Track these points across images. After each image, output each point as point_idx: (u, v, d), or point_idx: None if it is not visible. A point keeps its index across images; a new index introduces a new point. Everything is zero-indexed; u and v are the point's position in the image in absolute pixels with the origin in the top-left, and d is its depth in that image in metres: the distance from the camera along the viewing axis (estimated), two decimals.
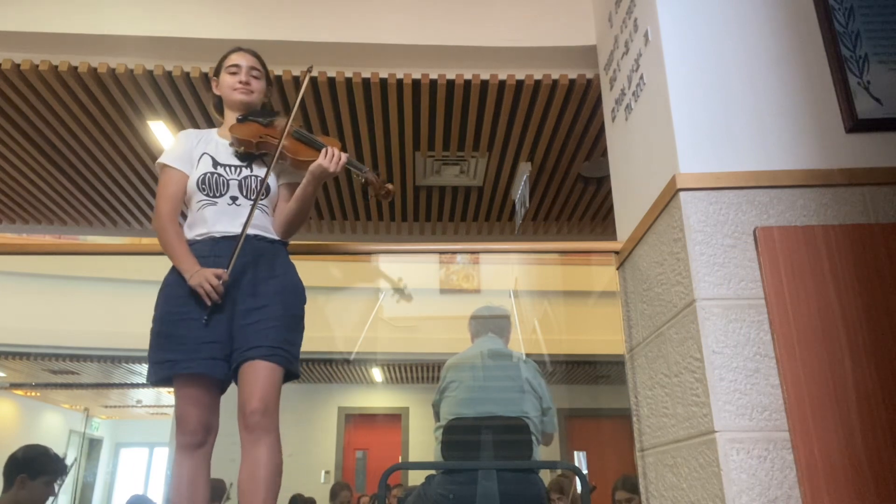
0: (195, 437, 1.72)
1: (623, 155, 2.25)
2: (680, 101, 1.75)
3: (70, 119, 3.10)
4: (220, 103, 2.01)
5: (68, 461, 2.83)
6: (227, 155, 1.89)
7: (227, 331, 1.73)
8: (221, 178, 1.83)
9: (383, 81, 2.84)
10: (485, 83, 2.84)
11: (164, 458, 10.79)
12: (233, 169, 1.86)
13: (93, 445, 10.89)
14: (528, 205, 3.82)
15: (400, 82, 2.83)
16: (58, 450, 2.87)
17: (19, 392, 8.77)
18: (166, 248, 1.79)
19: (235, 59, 1.96)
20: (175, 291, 1.76)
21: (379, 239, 4.40)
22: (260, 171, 1.87)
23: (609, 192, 2.50)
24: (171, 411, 8.06)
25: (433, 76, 2.81)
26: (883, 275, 1.54)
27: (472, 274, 6.56)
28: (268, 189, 1.86)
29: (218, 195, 1.82)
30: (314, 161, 1.82)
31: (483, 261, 6.46)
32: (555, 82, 2.84)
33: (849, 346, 1.48)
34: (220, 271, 1.70)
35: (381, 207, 4.06)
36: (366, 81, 2.84)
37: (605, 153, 2.68)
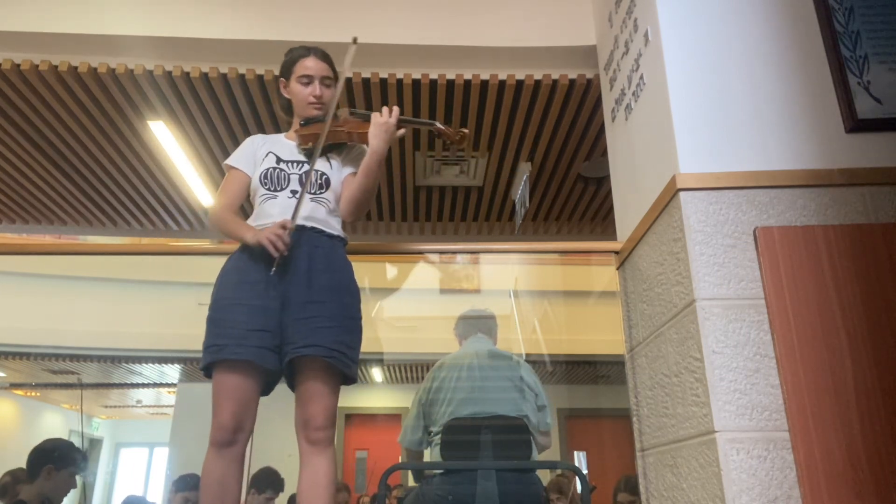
0: (225, 433, 1.66)
1: (623, 155, 2.25)
2: (680, 101, 1.75)
3: (70, 119, 3.10)
4: (288, 105, 2.00)
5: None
6: (290, 153, 1.91)
7: (278, 321, 1.71)
8: (283, 172, 1.86)
9: (383, 81, 2.84)
10: (485, 83, 2.84)
11: (164, 458, 10.79)
12: (295, 164, 1.88)
13: (93, 445, 10.89)
14: (528, 205, 3.82)
15: (400, 82, 2.84)
16: None
17: (19, 392, 8.77)
18: (226, 229, 1.81)
19: (309, 66, 1.93)
20: (230, 278, 1.77)
21: (379, 239, 4.40)
22: (321, 166, 1.89)
23: (609, 192, 2.50)
24: (171, 411, 8.08)
25: (433, 76, 2.81)
26: (883, 275, 1.54)
27: (472, 274, 6.56)
28: (327, 181, 1.87)
29: (279, 188, 1.84)
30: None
31: (483, 261, 6.46)
32: (555, 82, 2.84)
33: (849, 346, 1.48)
34: (284, 220, 1.71)
35: (381, 207, 4.06)
36: (366, 81, 2.84)
37: (605, 153, 2.68)
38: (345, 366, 1.72)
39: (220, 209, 1.85)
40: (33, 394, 8.96)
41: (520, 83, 2.84)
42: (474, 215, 4.18)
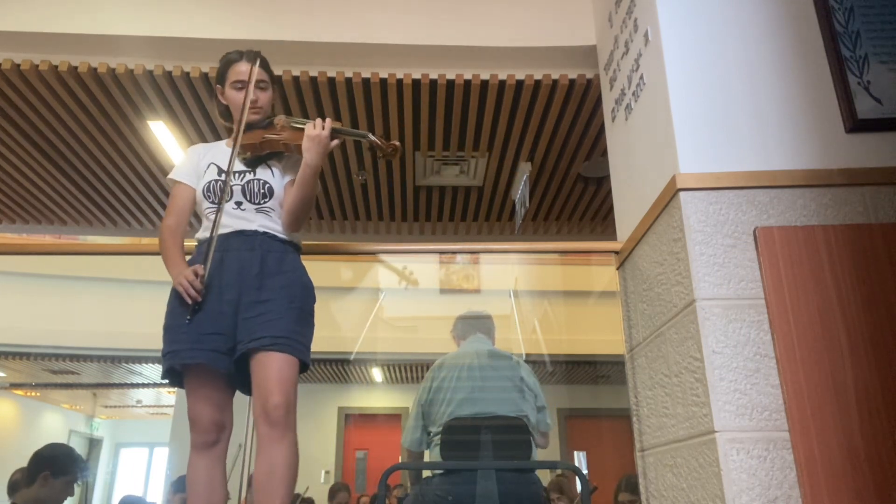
0: (208, 435, 1.73)
1: (623, 155, 2.25)
2: (680, 101, 1.75)
3: (70, 119, 3.10)
4: (226, 111, 2.00)
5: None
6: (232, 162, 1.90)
7: (232, 324, 1.73)
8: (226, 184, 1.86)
9: (383, 81, 2.84)
10: (485, 83, 2.84)
11: (164, 458, 10.78)
12: (237, 175, 1.87)
13: (93, 445, 10.89)
14: (528, 205, 3.82)
15: (400, 82, 2.83)
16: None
17: (19, 392, 8.77)
18: (162, 256, 1.84)
19: (241, 71, 1.90)
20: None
21: (379, 239, 4.40)
22: (264, 175, 1.88)
23: (609, 192, 2.50)
24: (171, 411, 8.08)
25: (433, 76, 2.81)
26: (883, 275, 1.54)
27: (472, 274, 6.56)
28: (270, 190, 1.87)
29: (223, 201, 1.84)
30: None
31: (483, 261, 6.46)
32: (555, 82, 2.84)
33: (849, 346, 1.48)
34: (196, 267, 1.73)
35: (381, 207, 4.06)
36: (366, 81, 2.84)
37: (605, 153, 2.68)
38: (296, 351, 1.71)
39: (165, 232, 1.86)
40: (33, 394, 8.96)
41: (520, 83, 2.84)
42: (474, 215, 4.18)
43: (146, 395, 9.56)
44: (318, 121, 1.81)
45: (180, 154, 3.41)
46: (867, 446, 1.41)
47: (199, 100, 2.98)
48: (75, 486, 2.74)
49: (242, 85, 1.89)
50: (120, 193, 3.85)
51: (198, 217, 1.95)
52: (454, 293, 6.48)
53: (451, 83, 2.84)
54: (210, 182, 1.86)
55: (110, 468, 11.46)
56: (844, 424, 1.42)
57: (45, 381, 8.07)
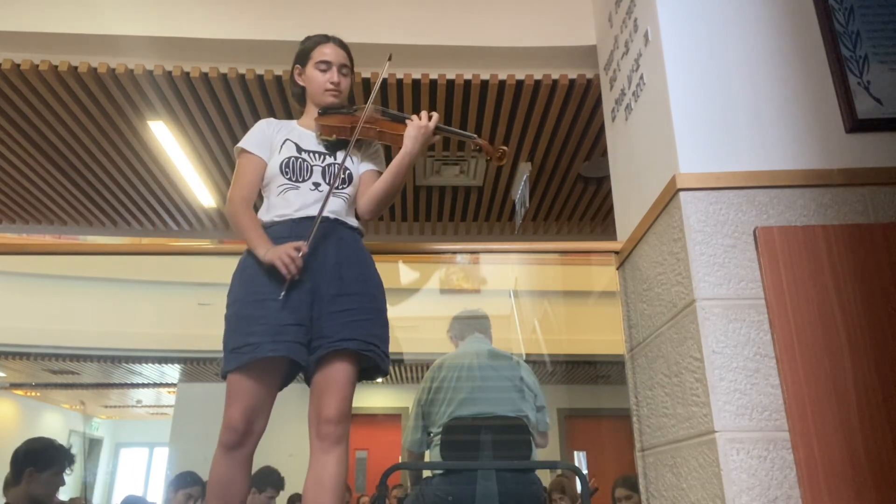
0: (234, 435, 1.60)
1: (623, 155, 2.25)
2: (680, 101, 1.75)
3: (70, 119, 3.10)
4: (301, 93, 1.96)
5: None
6: (311, 142, 1.86)
7: (308, 315, 1.66)
8: (306, 163, 1.80)
9: (384, 81, 2.84)
10: (485, 83, 2.84)
11: (164, 458, 10.79)
12: (317, 156, 1.83)
13: (93, 445, 10.89)
14: (528, 205, 3.82)
15: (400, 82, 2.84)
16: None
17: (19, 392, 8.77)
18: (240, 230, 1.73)
19: (327, 53, 1.89)
20: (253, 272, 1.68)
21: (379, 239, 4.40)
22: (345, 161, 1.84)
23: (609, 192, 2.50)
24: (171, 411, 8.07)
25: (433, 76, 2.81)
26: (883, 275, 1.54)
27: (472, 274, 6.56)
28: (350, 176, 1.84)
29: (301, 179, 1.78)
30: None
31: (483, 261, 6.46)
32: (555, 82, 2.84)
33: (849, 346, 1.48)
34: (299, 243, 1.63)
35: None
36: (366, 81, 2.84)
37: (605, 153, 2.68)
38: (379, 359, 1.69)
39: (239, 203, 1.75)
40: (33, 394, 8.96)
41: (520, 83, 2.84)
42: (474, 215, 4.18)
43: (146, 395, 9.56)
44: (425, 113, 1.84)
45: (180, 154, 3.42)
46: (867, 446, 1.41)
47: (199, 100, 2.98)
48: (64, 475, 2.72)
49: (328, 66, 1.88)
50: (120, 193, 3.85)
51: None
52: (454, 293, 6.48)
53: (451, 83, 2.84)
54: (290, 158, 1.79)
55: (110, 468, 11.46)
56: (844, 424, 1.42)
57: (45, 381, 8.07)
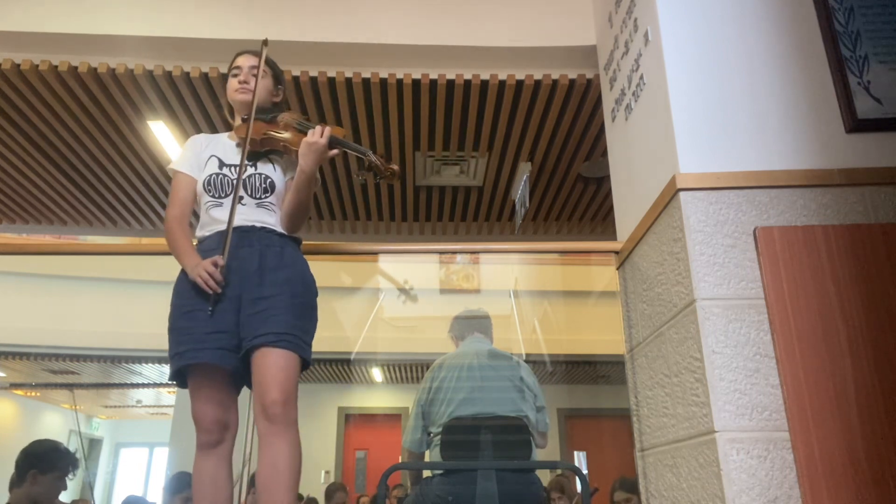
0: (211, 435, 1.72)
1: (623, 155, 2.25)
2: (680, 101, 1.75)
3: (70, 119, 3.10)
4: (230, 106, 2.03)
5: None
6: (233, 156, 1.89)
7: (234, 322, 1.73)
8: (226, 178, 1.85)
9: (383, 81, 2.84)
10: (485, 83, 2.84)
11: (164, 458, 10.78)
12: (237, 168, 1.86)
13: (93, 445, 10.89)
14: (528, 205, 3.82)
15: (400, 82, 2.83)
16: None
17: (19, 392, 8.77)
18: (172, 248, 1.81)
19: (238, 61, 1.98)
20: (184, 287, 1.77)
21: (379, 239, 4.40)
22: (265, 169, 1.87)
23: (609, 192, 2.50)
24: (172, 411, 8.07)
25: (433, 76, 2.81)
26: (883, 275, 1.54)
27: (472, 274, 6.56)
28: (272, 185, 1.86)
29: (223, 195, 1.83)
30: None
31: (483, 261, 6.46)
32: (555, 82, 2.84)
33: (849, 346, 1.48)
34: (216, 258, 1.71)
35: (381, 207, 4.06)
36: (366, 81, 2.84)
37: (605, 153, 2.68)
38: (297, 347, 1.71)
39: (172, 223, 1.83)
40: (33, 394, 8.96)
41: (520, 83, 2.84)
42: (474, 215, 4.18)
43: (146, 395, 9.56)
44: (318, 128, 1.79)
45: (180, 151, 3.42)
46: (867, 446, 1.41)
47: (199, 100, 2.98)
48: (67, 479, 2.73)
49: (238, 71, 1.95)
50: (120, 193, 3.85)
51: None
52: (454, 293, 6.48)
53: (451, 83, 2.84)
54: (211, 175, 1.85)
55: (110, 468, 11.46)
56: (844, 424, 1.42)
57: (45, 381, 8.07)
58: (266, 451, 1.62)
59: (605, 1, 2.47)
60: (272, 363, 1.67)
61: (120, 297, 6.28)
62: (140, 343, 6.30)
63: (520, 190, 3.72)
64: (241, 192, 1.82)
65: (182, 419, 7.82)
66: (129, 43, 2.67)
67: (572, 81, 2.82)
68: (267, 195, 1.85)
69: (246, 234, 1.79)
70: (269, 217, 1.84)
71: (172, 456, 7.56)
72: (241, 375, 1.78)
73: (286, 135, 1.87)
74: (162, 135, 3.23)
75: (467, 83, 2.84)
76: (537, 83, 2.84)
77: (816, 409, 1.44)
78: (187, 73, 2.77)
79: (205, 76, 2.79)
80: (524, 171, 3.57)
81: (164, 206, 4.03)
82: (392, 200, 3.97)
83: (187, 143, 1.98)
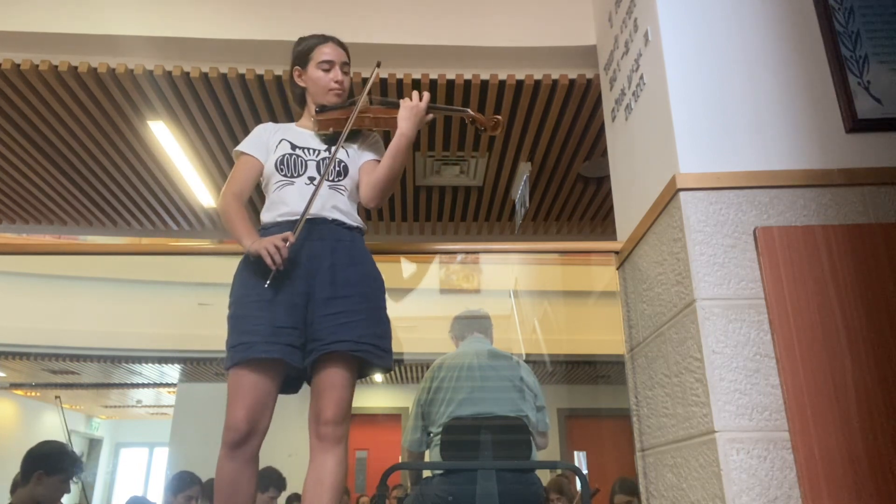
0: (237, 434, 1.60)
1: (623, 155, 2.25)
2: (680, 101, 1.75)
3: (70, 119, 3.10)
4: (302, 95, 1.97)
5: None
6: (306, 140, 1.88)
7: (303, 318, 1.68)
8: (300, 158, 1.83)
9: (383, 81, 2.84)
10: (485, 83, 2.84)
11: (164, 458, 10.79)
12: (311, 151, 1.85)
13: (93, 445, 10.89)
14: (528, 205, 3.82)
15: (400, 82, 2.84)
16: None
17: (19, 392, 8.77)
18: (228, 224, 1.76)
19: (328, 53, 1.91)
20: (248, 273, 1.71)
21: (379, 239, 4.40)
22: (339, 154, 1.85)
23: (609, 192, 2.50)
24: (172, 411, 8.07)
25: (433, 76, 2.81)
26: (883, 275, 1.54)
27: (472, 274, 6.56)
28: (345, 169, 1.85)
29: (296, 175, 1.80)
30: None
31: (483, 261, 6.46)
32: (555, 82, 2.84)
33: (849, 346, 1.48)
34: (286, 234, 1.65)
35: (381, 207, 4.06)
36: (366, 81, 2.83)
37: (605, 153, 2.68)
38: (376, 357, 1.70)
39: (230, 198, 1.78)
40: (33, 394, 8.96)
41: (520, 83, 2.84)
42: (474, 215, 4.18)
43: (146, 395, 9.56)
44: (416, 93, 1.88)
45: (180, 154, 3.41)
46: (867, 446, 1.41)
47: (199, 100, 2.98)
48: (71, 483, 2.73)
49: (330, 66, 1.90)
50: (120, 193, 3.85)
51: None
52: (454, 293, 6.48)
53: (451, 83, 2.84)
54: (284, 155, 1.82)
55: (110, 468, 11.46)
56: (844, 424, 1.42)
57: (45, 381, 8.07)
58: (314, 464, 1.64)
59: (605, 1, 2.47)
60: (337, 380, 1.66)
61: (120, 297, 6.28)
62: (140, 343, 6.30)
63: (520, 190, 3.72)
64: (314, 174, 1.80)
65: (182, 419, 7.82)
66: (129, 43, 2.67)
67: (572, 81, 2.82)
68: (341, 178, 1.83)
69: (316, 227, 1.75)
70: (340, 202, 1.81)
71: (172, 456, 7.56)
72: (295, 378, 1.75)
73: (372, 113, 1.90)
74: (162, 135, 3.23)
75: (467, 83, 2.84)
76: (537, 83, 2.84)
77: (816, 409, 1.44)
78: (187, 73, 2.77)
79: (205, 76, 2.78)
80: (524, 171, 3.57)
81: (164, 207, 4.03)
82: (392, 200, 3.97)
83: (256, 128, 1.95)
